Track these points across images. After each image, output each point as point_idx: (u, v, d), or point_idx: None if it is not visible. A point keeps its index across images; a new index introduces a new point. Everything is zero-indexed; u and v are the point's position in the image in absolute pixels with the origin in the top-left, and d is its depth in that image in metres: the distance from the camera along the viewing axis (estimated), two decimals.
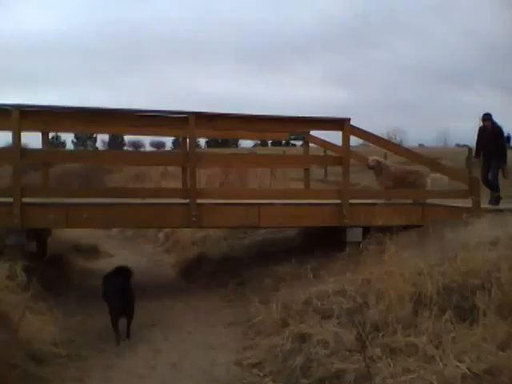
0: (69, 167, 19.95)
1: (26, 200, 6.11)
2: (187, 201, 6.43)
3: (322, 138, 8.61)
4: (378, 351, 3.45)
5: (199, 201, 6.43)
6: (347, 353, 3.60)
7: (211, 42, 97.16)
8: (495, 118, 8.22)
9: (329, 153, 10.44)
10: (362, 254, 6.16)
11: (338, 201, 6.77)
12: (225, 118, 6.64)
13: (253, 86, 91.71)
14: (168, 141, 54.01)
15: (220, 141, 44.66)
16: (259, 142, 48.14)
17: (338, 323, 4.10)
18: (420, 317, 3.87)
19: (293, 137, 8.35)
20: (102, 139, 57.16)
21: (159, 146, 52.24)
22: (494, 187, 8.16)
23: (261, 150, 26.36)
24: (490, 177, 8.17)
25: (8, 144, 7.29)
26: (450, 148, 33.45)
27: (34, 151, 6.81)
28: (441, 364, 3.19)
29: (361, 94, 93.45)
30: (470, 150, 11.05)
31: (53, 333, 4.54)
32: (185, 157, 7.14)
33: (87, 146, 52.51)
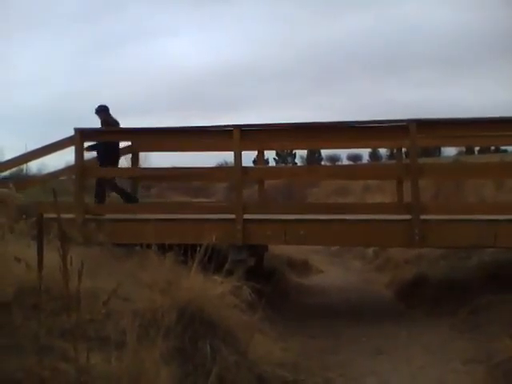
0: (271, 183, 20.71)
1: (246, 216, 6.26)
2: (408, 217, 5.88)
3: None
4: None
5: (423, 217, 5.83)
6: None
7: (400, 52, 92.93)
8: None
9: None
10: None
11: None
12: (451, 124, 5.91)
13: (449, 91, 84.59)
14: (365, 153, 53.27)
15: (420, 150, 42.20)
16: (464, 150, 44.25)
17: None
18: None
19: None
20: (300, 155, 59.00)
21: (356, 159, 51.71)
22: None
23: (467, 159, 24.44)
24: None
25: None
26: None
27: (255, 169, 7.00)
28: None
29: None
30: None
31: (278, 354, 4.42)
32: (402, 169, 6.58)
33: (287, 163, 54.74)
